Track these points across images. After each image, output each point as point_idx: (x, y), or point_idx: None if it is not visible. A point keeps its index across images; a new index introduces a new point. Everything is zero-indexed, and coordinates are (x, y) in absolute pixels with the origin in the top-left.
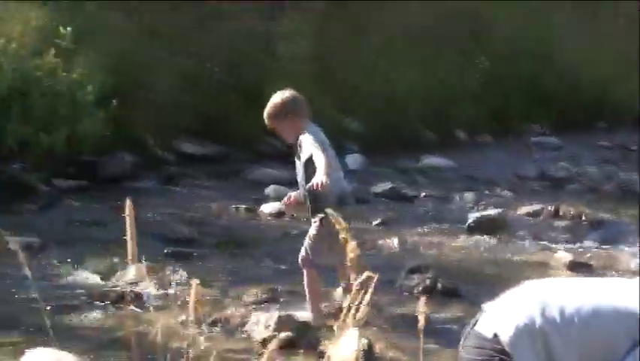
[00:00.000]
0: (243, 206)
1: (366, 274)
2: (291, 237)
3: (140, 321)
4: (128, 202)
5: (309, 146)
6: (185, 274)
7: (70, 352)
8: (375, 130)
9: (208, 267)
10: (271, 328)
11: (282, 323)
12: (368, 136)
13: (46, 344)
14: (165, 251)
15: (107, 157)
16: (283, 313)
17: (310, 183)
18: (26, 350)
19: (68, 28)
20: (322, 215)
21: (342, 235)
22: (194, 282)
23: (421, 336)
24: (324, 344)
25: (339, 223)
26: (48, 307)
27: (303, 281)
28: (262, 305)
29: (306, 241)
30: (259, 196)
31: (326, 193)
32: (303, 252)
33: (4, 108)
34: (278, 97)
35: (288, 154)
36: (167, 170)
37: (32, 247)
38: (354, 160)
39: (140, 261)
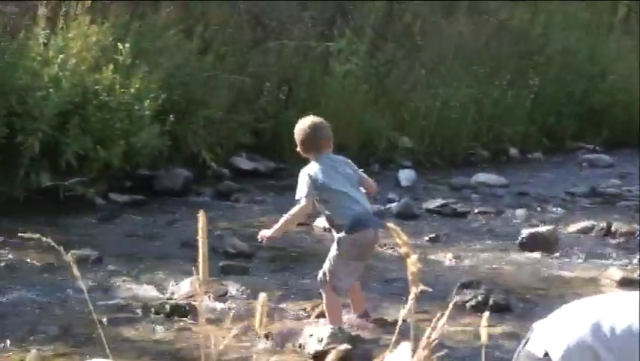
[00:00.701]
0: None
1: (420, 288)
2: None
3: (195, 334)
4: (201, 214)
5: (297, 188)
6: (240, 287)
7: None
8: (427, 146)
9: (262, 281)
10: (324, 342)
11: (335, 337)
12: (421, 152)
13: (101, 356)
14: (220, 265)
15: (163, 172)
16: (336, 327)
17: (261, 234)
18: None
19: (127, 45)
20: (339, 236)
21: (403, 249)
22: (262, 295)
23: (483, 351)
24: (378, 357)
25: (401, 238)
26: (104, 319)
27: (348, 295)
28: (315, 319)
29: (326, 264)
30: (312, 211)
31: (338, 223)
32: (320, 274)
33: (62, 123)
34: (297, 127)
35: None
36: (222, 185)
37: (89, 259)
38: (406, 176)
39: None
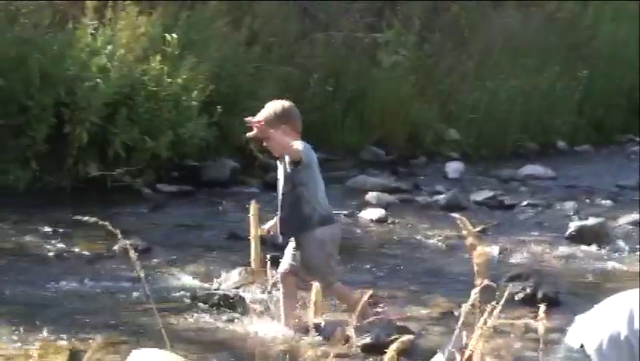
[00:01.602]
0: (344, 212)
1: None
2: (391, 243)
3: (243, 324)
4: (253, 204)
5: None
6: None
7: (174, 352)
8: (475, 139)
9: None
10: (371, 333)
11: (383, 329)
12: (468, 144)
13: (150, 345)
14: (268, 256)
15: (210, 162)
16: (384, 318)
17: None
18: (132, 350)
19: (175, 35)
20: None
21: (469, 240)
22: (315, 285)
23: (541, 343)
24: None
25: (467, 228)
26: (154, 308)
27: (401, 286)
28: (358, 310)
29: (313, 267)
30: (360, 202)
31: (309, 214)
32: (321, 280)
33: (110, 113)
34: (275, 104)
35: (390, 162)
36: (268, 176)
37: (137, 249)
38: (454, 168)
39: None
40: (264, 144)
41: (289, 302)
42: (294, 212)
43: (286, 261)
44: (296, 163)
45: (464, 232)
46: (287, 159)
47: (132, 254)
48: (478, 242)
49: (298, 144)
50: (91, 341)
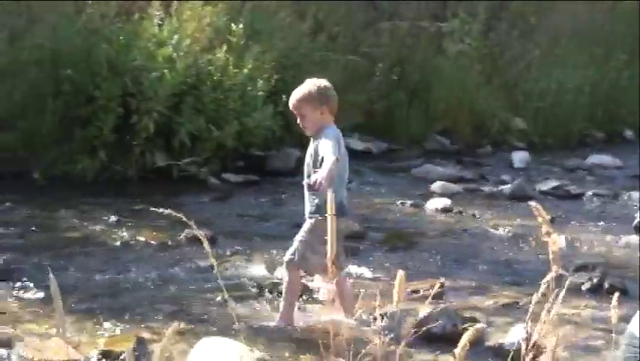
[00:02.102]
0: (409, 202)
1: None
2: (456, 232)
3: (308, 313)
4: (329, 195)
5: (329, 147)
6: (352, 268)
7: (241, 341)
8: (541, 128)
9: (375, 261)
10: (438, 322)
11: (449, 318)
12: (534, 134)
13: (216, 333)
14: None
15: (275, 152)
16: (450, 307)
17: (312, 178)
18: (199, 339)
19: (240, 25)
20: (317, 217)
21: (544, 228)
22: (400, 273)
23: (613, 333)
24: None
25: (542, 216)
26: (218, 298)
27: (466, 276)
28: (428, 300)
29: (296, 243)
30: (425, 192)
31: (322, 204)
32: (290, 255)
33: (176, 103)
34: (319, 82)
35: (455, 151)
36: None
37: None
38: (520, 157)
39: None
40: (298, 121)
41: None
42: (310, 197)
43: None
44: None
45: (539, 220)
46: (317, 142)
47: (206, 244)
48: (552, 230)
49: (331, 148)
50: (163, 330)
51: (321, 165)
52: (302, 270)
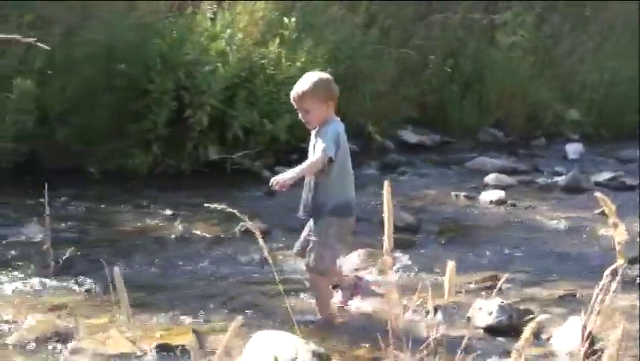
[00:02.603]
0: (463, 194)
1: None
2: (510, 224)
3: (362, 306)
4: (386, 183)
5: (321, 147)
6: (407, 260)
7: (296, 334)
8: (595, 119)
9: (429, 254)
10: (493, 315)
11: (504, 311)
12: (588, 125)
13: (271, 326)
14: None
15: None
16: (505, 300)
17: (274, 178)
18: (255, 332)
19: (292, 19)
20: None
21: (610, 219)
22: (451, 264)
23: None
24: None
25: (609, 207)
26: (272, 291)
27: (521, 268)
28: (482, 292)
29: (314, 249)
30: (479, 184)
31: (323, 202)
32: (313, 261)
33: (230, 96)
34: (323, 75)
35: (509, 143)
36: (387, 158)
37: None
38: (573, 149)
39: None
40: (300, 115)
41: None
42: (311, 195)
43: (299, 243)
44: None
45: (606, 211)
46: (318, 139)
47: (259, 238)
48: (619, 221)
49: (331, 140)
50: (218, 323)
51: None
52: (320, 273)
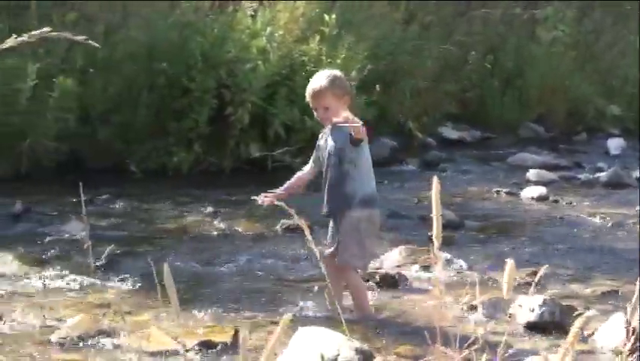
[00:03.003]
0: (504, 190)
1: None
2: (552, 221)
3: (405, 303)
4: (435, 180)
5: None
6: (449, 257)
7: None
8: (636, 114)
9: (471, 250)
10: (535, 312)
11: (546, 307)
12: (630, 120)
13: (314, 323)
14: (429, 234)
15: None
16: (547, 296)
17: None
18: (301, 328)
19: (332, 16)
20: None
21: None
22: (510, 262)
23: None
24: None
25: None
26: (315, 288)
27: (564, 264)
28: (524, 288)
29: (348, 245)
30: (520, 180)
31: (352, 193)
32: (348, 258)
33: (270, 94)
34: (337, 72)
35: (550, 138)
36: (428, 154)
37: (298, 229)
38: (615, 144)
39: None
40: (315, 112)
41: (334, 285)
42: (337, 188)
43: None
44: (354, 142)
45: None
46: (336, 132)
47: (307, 232)
48: None
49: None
50: (261, 320)
51: (345, 156)
52: (356, 269)
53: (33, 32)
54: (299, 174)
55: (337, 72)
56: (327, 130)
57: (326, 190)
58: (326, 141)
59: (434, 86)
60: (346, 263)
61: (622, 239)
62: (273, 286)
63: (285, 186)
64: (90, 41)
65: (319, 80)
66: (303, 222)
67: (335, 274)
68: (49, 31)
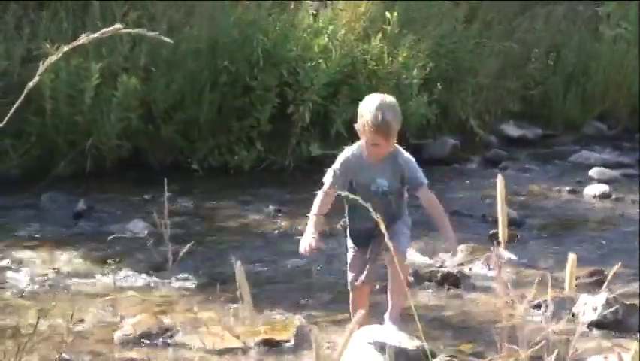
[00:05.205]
0: (567, 188)
1: None
2: (615, 219)
3: (467, 302)
4: (499, 178)
5: (418, 168)
6: (510, 255)
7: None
8: None
9: (532, 248)
10: (599, 310)
11: (610, 306)
12: None
13: (373, 321)
14: (490, 232)
15: (431, 140)
16: (610, 295)
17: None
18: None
19: (395, 14)
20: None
21: None
22: (572, 257)
23: None
24: None
25: None
26: (377, 286)
27: (627, 262)
28: (587, 287)
29: (405, 236)
30: (582, 178)
31: (399, 210)
32: (404, 246)
33: (332, 92)
34: (387, 104)
35: (613, 136)
36: (489, 152)
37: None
38: None
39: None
40: (375, 146)
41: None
42: (385, 211)
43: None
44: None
45: None
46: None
47: (383, 228)
48: None
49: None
50: (322, 317)
51: (408, 188)
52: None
53: (106, 29)
54: (321, 207)
55: (390, 100)
56: (363, 161)
57: (366, 224)
58: (368, 172)
59: (496, 84)
60: (405, 252)
61: None
62: (335, 284)
63: (315, 228)
64: (163, 37)
65: (392, 110)
66: (379, 218)
67: (363, 304)
68: (121, 29)
